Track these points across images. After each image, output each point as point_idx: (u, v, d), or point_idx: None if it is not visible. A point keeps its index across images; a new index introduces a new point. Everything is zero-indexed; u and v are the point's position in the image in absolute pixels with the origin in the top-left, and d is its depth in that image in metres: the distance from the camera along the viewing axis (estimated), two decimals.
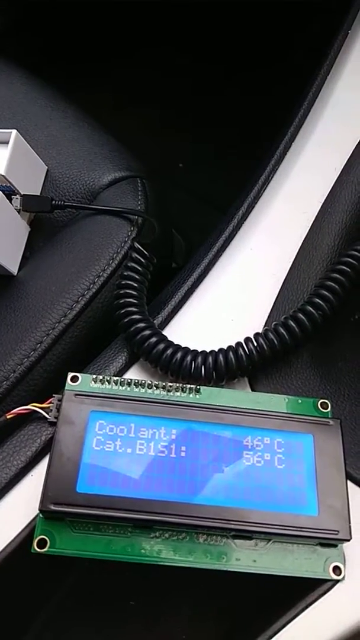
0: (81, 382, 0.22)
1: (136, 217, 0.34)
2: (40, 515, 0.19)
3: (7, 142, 0.34)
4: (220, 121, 0.76)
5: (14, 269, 0.35)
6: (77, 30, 0.79)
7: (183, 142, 0.78)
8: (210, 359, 0.22)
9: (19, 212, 0.35)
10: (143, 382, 0.22)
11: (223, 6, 0.69)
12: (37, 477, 0.21)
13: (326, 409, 0.22)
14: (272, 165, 0.29)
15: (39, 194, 0.37)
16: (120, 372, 0.24)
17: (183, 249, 0.59)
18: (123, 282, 0.25)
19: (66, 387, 0.21)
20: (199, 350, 0.22)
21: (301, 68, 0.38)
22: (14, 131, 0.33)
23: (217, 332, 0.25)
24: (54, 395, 0.22)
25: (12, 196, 0.34)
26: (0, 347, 0.30)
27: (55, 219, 0.36)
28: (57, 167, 0.37)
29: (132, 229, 0.33)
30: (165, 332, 0.25)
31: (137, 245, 0.26)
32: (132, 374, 0.24)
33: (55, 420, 0.21)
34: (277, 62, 0.71)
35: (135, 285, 0.25)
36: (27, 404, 0.27)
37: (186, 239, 0.61)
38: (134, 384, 0.22)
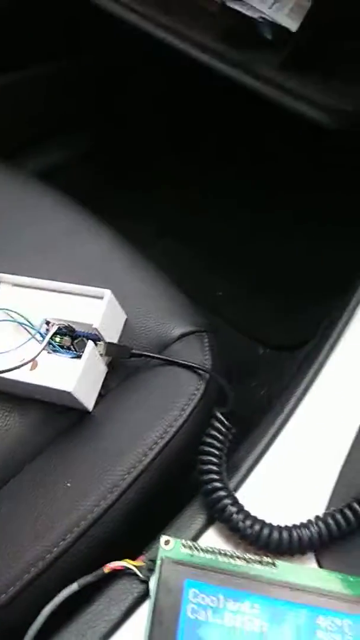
0: (173, 547, 0.25)
1: (204, 372, 0.38)
2: None
3: (101, 298, 0.40)
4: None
5: (90, 406, 0.39)
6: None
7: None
8: (285, 534, 0.25)
9: (101, 356, 0.40)
10: (226, 552, 0.25)
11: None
12: (130, 631, 0.23)
13: None
14: (328, 347, 0.34)
15: (118, 338, 0.42)
16: (200, 533, 0.27)
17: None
18: (206, 449, 0.29)
19: (162, 553, 0.24)
20: (274, 525, 0.26)
21: None
22: (108, 291, 0.40)
23: (285, 499, 0.28)
24: (144, 553, 0.25)
25: (97, 342, 0.40)
26: (79, 485, 0.34)
27: (130, 363, 0.41)
28: (134, 317, 0.43)
29: (200, 382, 0.38)
30: (237, 495, 0.28)
31: (219, 415, 0.31)
32: (210, 535, 0.27)
33: (145, 579, 0.24)
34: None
35: (217, 453, 0.29)
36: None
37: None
38: (219, 553, 0.25)
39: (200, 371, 0.38)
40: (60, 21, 0.73)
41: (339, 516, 0.25)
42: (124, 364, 0.41)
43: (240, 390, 0.72)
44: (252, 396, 0.73)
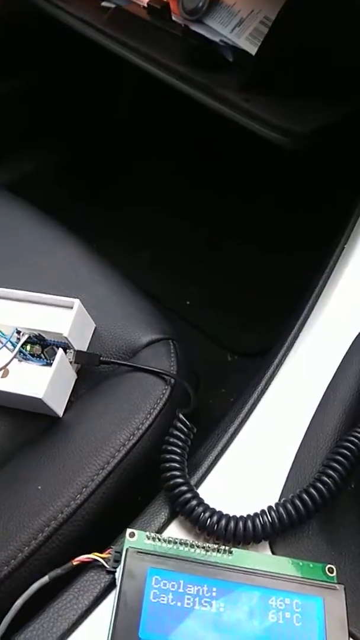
0: (137, 538, 0.27)
1: (169, 377, 0.41)
2: None
3: (70, 307, 0.42)
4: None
5: (60, 411, 0.41)
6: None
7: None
8: (240, 524, 0.27)
9: (71, 363, 0.42)
10: (187, 541, 0.27)
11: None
12: (98, 619, 0.25)
13: (332, 573, 0.27)
14: (282, 354, 0.37)
15: (87, 346, 0.44)
16: (164, 527, 0.29)
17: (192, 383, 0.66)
18: (169, 448, 0.31)
19: (127, 544, 0.26)
20: (231, 515, 0.28)
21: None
22: (77, 300, 0.41)
23: (242, 493, 0.30)
24: (111, 546, 0.27)
25: (67, 350, 0.41)
26: (49, 487, 0.35)
27: (99, 371, 0.43)
28: (103, 325, 0.45)
29: (166, 387, 0.40)
30: (199, 490, 0.30)
31: (181, 416, 0.33)
32: (173, 528, 0.29)
33: (112, 570, 0.26)
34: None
35: (179, 451, 0.31)
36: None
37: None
38: (180, 543, 0.27)
39: (166, 376, 0.41)
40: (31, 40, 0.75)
41: (289, 505, 0.28)
42: (93, 370, 0.43)
43: (210, 397, 0.75)
44: (221, 402, 0.75)
